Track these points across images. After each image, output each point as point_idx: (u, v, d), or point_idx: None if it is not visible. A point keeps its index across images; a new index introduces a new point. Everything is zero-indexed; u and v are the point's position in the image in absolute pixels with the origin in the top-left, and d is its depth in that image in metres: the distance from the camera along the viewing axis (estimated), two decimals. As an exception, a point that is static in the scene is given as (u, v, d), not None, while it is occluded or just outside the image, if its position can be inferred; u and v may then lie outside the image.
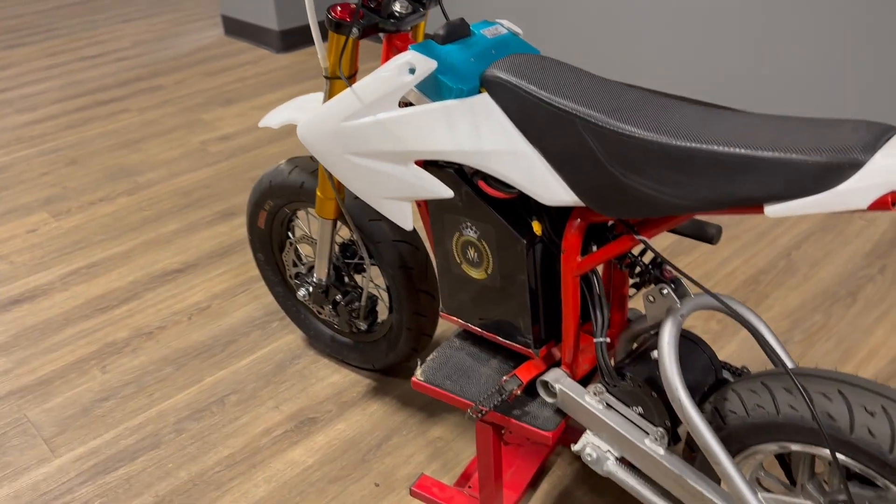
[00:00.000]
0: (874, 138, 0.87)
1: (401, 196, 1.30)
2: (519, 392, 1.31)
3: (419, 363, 1.47)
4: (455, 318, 1.45)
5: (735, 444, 1.16)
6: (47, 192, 2.96)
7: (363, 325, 1.78)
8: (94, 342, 2.13)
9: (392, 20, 1.31)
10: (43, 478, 1.72)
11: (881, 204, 0.85)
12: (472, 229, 1.31)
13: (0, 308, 2.30)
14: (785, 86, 2.80)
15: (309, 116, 1.33)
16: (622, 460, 1.27)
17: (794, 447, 1.10)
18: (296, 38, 4.33)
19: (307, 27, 4.36)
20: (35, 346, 2.13)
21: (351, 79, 1.40)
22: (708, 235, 1.29)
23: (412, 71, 1.19)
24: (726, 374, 1.26)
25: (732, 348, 1.96)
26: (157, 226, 2.69)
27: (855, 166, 0.86)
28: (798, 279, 2.21)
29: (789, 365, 1.18)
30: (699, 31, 2.96)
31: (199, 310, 2.24)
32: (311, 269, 1.85)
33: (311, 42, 4.40)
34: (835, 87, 2.69)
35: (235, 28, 4.59)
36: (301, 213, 2.61)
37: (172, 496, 1.65)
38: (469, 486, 1.61)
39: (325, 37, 4.47)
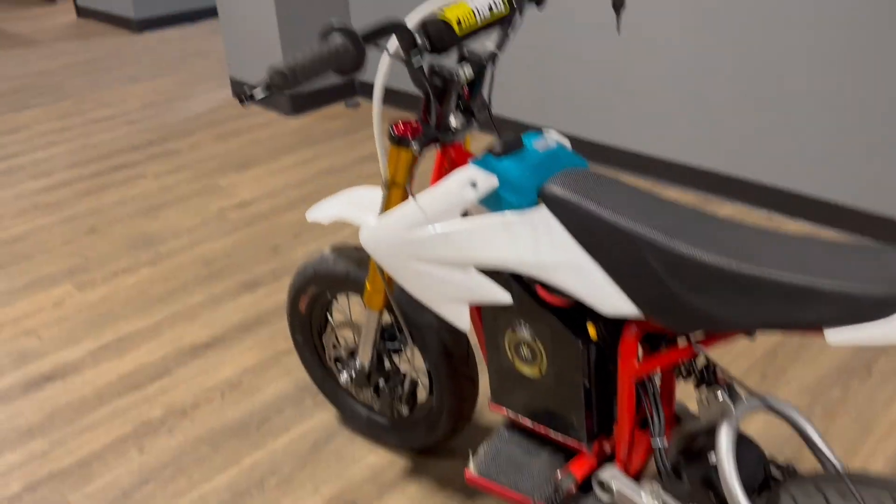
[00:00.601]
0: (926, 272, 0.95)
1: (460, 300, 1.36)
2: (574, 489, 1.36)
3: (471, 454, 1.52)
4: (504, 410, 1.50)
5: (788, 542, 1.21)
6: (69, 262, 3.00)
7: (405, 410, 1.83)
8: (129, 421, 2.16)
9: (448, 133, 1.39)
10: (89, 566, 1.74)
11: (937, 336, 0.92)
12: (526, 329, 1.37)
13: (32, 385, 2.32)
14: (791, 154, 2.92)
15: (373, 225, 1.40)
16: (677, 556, 1.32)
17: (846, 547, 1.15)
18: (306, 102, 4.43)
19: (317, 92, 4.46)
20: (70, 425, 2.16)
21: (407, 186, 1.47)
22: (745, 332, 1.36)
23: (474, 186, 1.27)
24: (774, 472, 1.32)
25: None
26: (181, 297, 2.73)
27: (911, 300, 0.93)
28: (813, 353, 2.29)
29: (837, 466, 1.24)
30: (700, 95, 3.08)
31: (230, 386, 2.28)
32: (351, 353, 1.90)
33: (320, 105, 4.50)
34: (844, 156, 2.80)
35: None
36: (341, 297, 2.67)
37: (221, 584, 1.68)
38: (514, 571, 1.65)
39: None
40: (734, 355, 2.30)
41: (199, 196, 3.50)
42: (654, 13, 3.10)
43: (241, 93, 1.05)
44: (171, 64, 5.65)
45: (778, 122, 2.90)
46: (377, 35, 1.11)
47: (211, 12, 6.99)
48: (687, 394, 2.14)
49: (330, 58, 1.00)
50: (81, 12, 7.30)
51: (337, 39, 1.03)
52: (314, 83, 4.42)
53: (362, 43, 1.05)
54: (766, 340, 2.35)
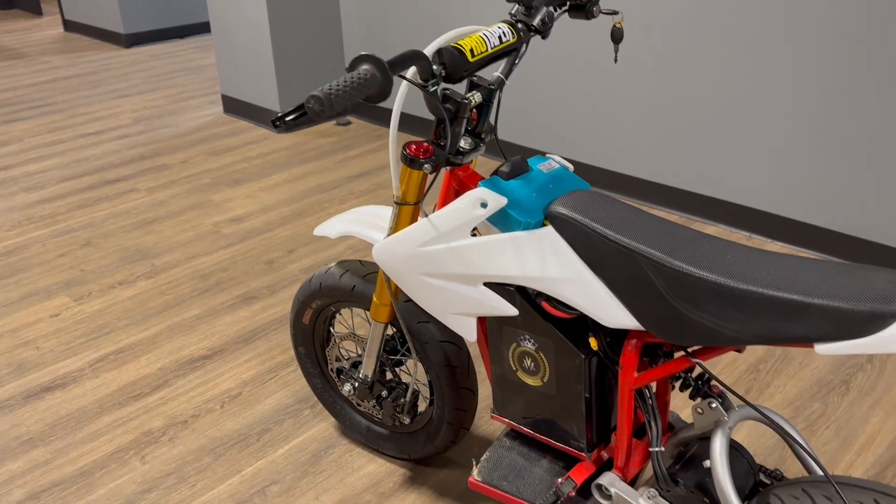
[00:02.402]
0: (907, 290, 1.04)
1: (468, 312, 1.43)
2: (574, 494, 1.43)
3: (474, 462, 1.58)
4: (507, 420, 1.57)
5: (778, 543, 1.29)
6: (65, 274, 3.02)
7: (406, 420, 1.89)
8: (131, 431, 2.20)
9: (458, 155, 1.47)
10: (96, 572, 1.77)
11: (918, 348, 1.01)
12: (530, 341, 1.44)
13: (32, 396, 2.35)
14: (769, 178, 3.03)
15: (385, 240, 1.47)
16: (673, 558, 1.39)
17: (832, 548, 1.23)
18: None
19: (307, 108, 4.52)
20: (72, 435, 2.19)
21: (417, 204, 1.54)
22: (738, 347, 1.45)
23: (484, 205, 1.35)
24: (763, 477, 1.40)
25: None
26: (179, 310, 2.77)
27: (894, 317, 1.02)
28: (795, 368, 2.38)
29: (820, 473, 1.33)
30: (683, 121, 3.20)
31: (230, 397, 2.32)
32: (354, 364, 1.96)
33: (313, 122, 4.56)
34: (822, 181, 2.92)
35: (235, 107, 4.75)
36: (345, 311, 2.72)
37: (226, 589, 1.72)
38: (512, 576, 1.71)
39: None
40: (719, 369, 2.38)
41: (193, 211, 3.55)
42: (640, 43, 3.22)
43: (277, 119, 1.11)
44: (162, 79, 5.69)
45: (758, 147, 3.02)
46: (402, 64, 1.18)
47: (199, 28, 7.04)
48: (676, 404, 2.23)
49: (363, 85, 1.08)
50: (69, 26, 7.32)
51: (366, 68, 1.11)
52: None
53: (390, 72, 1.12)
54: (749, 356, 2.44)
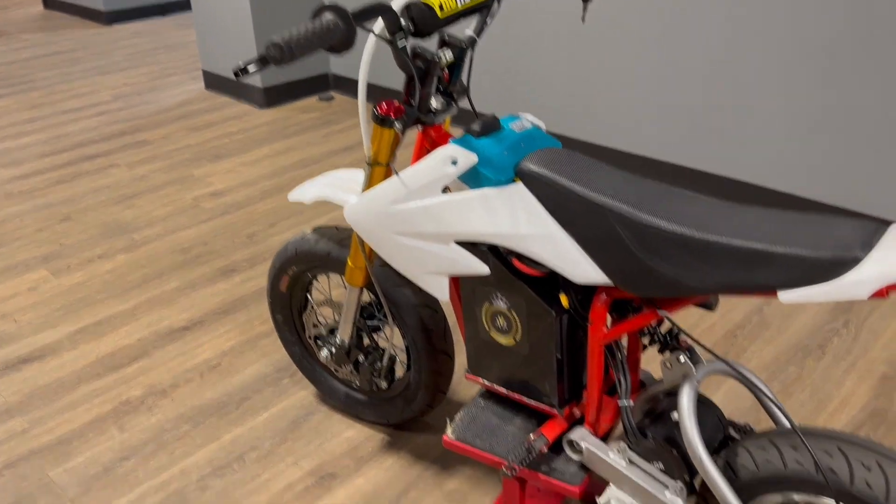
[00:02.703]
0: (869, 235, 1.05)
1: (440, 271, 1.43)
2: (546, 450, 1.44)
3: (448, 422, 1.59)
4: (480, 380, 1.58)
5: (745, 495, 1.31)
6: (44, 249, 3.00)
7: (384, 384, 1.90)
8: (109, 401, 2.19)
9: (429, 115, 1.47)
10: (73, 537, 1.77)
11: (879, 295, 1.01)
12: (502, 300, 1.45)
13: (10, 368, 2.34)
14: (755, 149, 3.04)
15: (356, 200, 1.47)
16: (643, 511, 1.41)
17: (798, 497, 1.25)
18: (279, 94, 4.47)
19: (290, 84, 4.50)
20: (50, 405, 2.18)
21: (389, 165, 1.54)
22: (708, 303, 1.45)
23: (455, 163, 1.34)
24: (732, 431, 1.41)
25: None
26: (158, 283, 2.76)
27: (855, 262, 1.03)
28: (772, 332, 2.40)
29: (788, 425, 1.34)
30: (669, 92, 3.19)
31: (209, 367, 2.32)
32: (331, 330, 1.96)
33: (293, 98, 4.54)
34: (809, 153, 2.93)
35: (216, 83, 4.71)
36: (321, 277, 2.72)
37: (204, 552, 1.73)
38: (488, 536, 1.72)
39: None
40: (696, 334, 2.40)
41: (173, 185, 3.53)
42: (627, 10, 3.20)
43: (236, 67, 1.10)
44: (142, 56, 5.63)
45: (746, 119, 3.02)
46: (366, 15, 1.18)
47: (180, 5, 6.96)
48: (653, 366, 2.24)
49: (323, 34, 1.07)
50: (49, 3, 7.22)
51: (329, 17, 1.10)
52: (290, 72, 4.46)
53: (353, 22, 1.11)
54: (726, 321, 2.46)
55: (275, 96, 4.45)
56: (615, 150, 3.45)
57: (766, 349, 2.33)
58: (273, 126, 4.20)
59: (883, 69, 2.62)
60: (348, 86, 4.61)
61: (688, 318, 2.48)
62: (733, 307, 2.53)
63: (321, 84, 4.65)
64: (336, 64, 4.61)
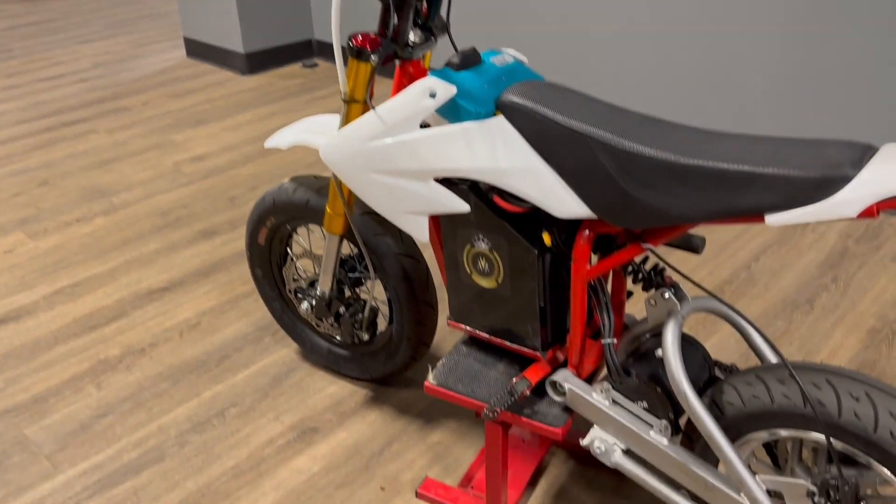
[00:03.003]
0: (859, 155, 1.01)
1: (419, 211, 1.39)
2: (528, 392, 1.41)
3: (430, 368, 1.56)
4: (462, 326, 1.54)
5: (732, 432, 1.28)
6: (21, 212, 2.94)
7: (365, 337, 1.86)
8: (87, 360, 2.15)
9: (407, 49, 1.42)
10: (48, 493, 1.73)
11: (868, 213, 0.98)
12: (483, 241, 1.41)
13: (-15, 328, 2.29)
14: (739, 108, 3.00)
15: (332, 138, 1.42)
16: (628, 452, 1.38)
17: (785, 433, 1.22)
18: (261, 61, 4.39)
19: (272, 50, 4.42)
20: (25, 364, 2.14)
21: (367, 102, 1.49)
22: (693, 245, 1.42)
23: (433, 95, 1.30)
24: (718, 372, 1.39)
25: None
26: (137, 245, 2.71)
27: (845, 180, 0.99)
28: (759, 289, 2.38)
29: (775, 361, 1.31)
30: (659, 51, 3.15)
31: (189, 327, 2.28)
32: (311, 283, 1.91)
33: (276, 65, 4.47)
34: (799, 118, 2.90)
35: (198, 50, 4.62)
36: (301, 230, 2.67)
37: (182, 506, 1.69)
38: (472, 487, 1.70)
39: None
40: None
41: (153, 150, 3.46)
42: (608, -32, 3.15)
43: None
44: (123, 25, 5.53)
45: (731, 76, 2.98)
46: None
47: (163, -24, 6.83)
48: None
49: None
50: (27, -25, 7.08)
51: None
52: (273, 37, 4.38)
53: None
54: (715, 277, 2.43)
55: (257, 63, 4.37)
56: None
57: (753, 304, 2.31)
58: (256, 92, 4.13)
59: (861, 21, 2.58)
60: (332, 53, 4.53)
61: (672, 275, 2.46)
62: (719, 264, 2.50)
63: (305, 50, 4.58)
64: (320, 30, 4.53)
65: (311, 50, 4.60)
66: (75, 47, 5.03)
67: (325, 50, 4.56)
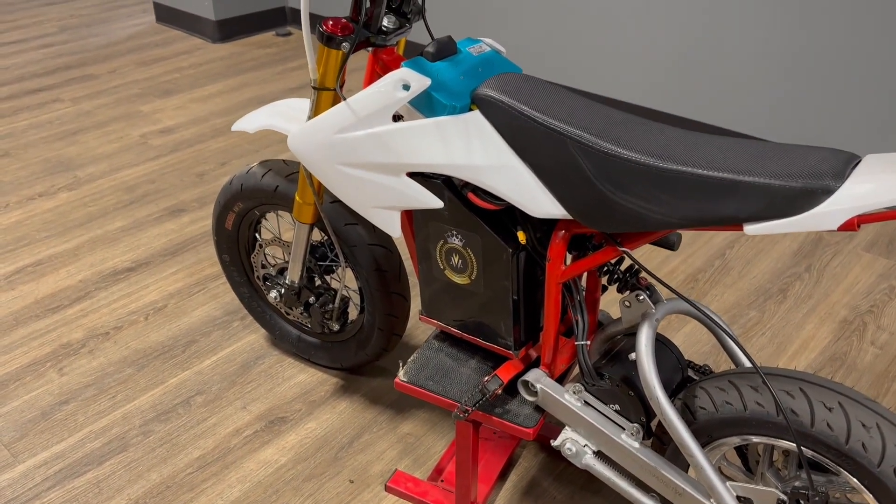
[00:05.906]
0: (842, 166, 0.98)
1: (391, 206, 1.35)
2: (500, 391, 1.39)
3: (401, 364, 1.53)
4: (435, 321, 1.51)
5: (703, 437, 1.27)
6: (-20, 186, 2.85)
7: (336, 326, 1.82)
8: (48, 343, 2.09)
9: (380, 35, 1.36)
10: (7, 483, 1.69)
11: (848, 226, 0.96)
12: (457, 237, 1.37)
13: (-59, 309, 2.22)
14: (728, 96, 2.98)
15: (300, 127, 1.36)
16: (599, 454, 1.36)
17: (756, 440, 1.21)
18: (233, 28, 4.27)
19: (244, 17, 4.30)
20: (-16, 348, 2.08)
21: (337, 90, 1.43)
22: (670, 242, 1.39)
23: (406, 87, 1.25)
24: (691, 373, 1.37)
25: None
26: (102, 222, 2.63)
27: (827, 192, 0.96)
28: (733, 277, 2.37)
29: (748, 365, 1.30)
30: (653, 38, 3.10)
31: (155, 309, 2.23)
32: (280, 271, 1.87)
33: (248, 32, 4.35)
34: (798, 106, 2.87)
35: (168, 16, 4.48)
36: (270, 216, 2.62)
37: (146, 499, 1.66)
38: (442, 480, 1.68)
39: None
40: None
41: (120, 122, 3.36)
42: (590, -56, 3.08)
43: None
44: (89, -13, 5.35)
45: (721, 65, 2.94)
46: None
47: (132, -64, 6.60)
48: (613, 310, 2.20)
49: None
50: (-11, -70, 6.80)
51: None
52: (245, 4, 4.25)
53: None
54: (688, 265, 2.42)
55: (229, 30, 4.25)
56: (585, 93, 3.36)
57: (727, 293, 2.30)
58: (227, 61, 4.02)
59: (852, 12, 2.55)
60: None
61: (649, 262, 2.44)
62: (694, 251, 2.49)
63: (278, 18, 4.46)
64: (294, -2, 4.42)
65: (284, 18, 4.48)
66: (40, 9, 4.86)
67: (299, 18, 4.44)
